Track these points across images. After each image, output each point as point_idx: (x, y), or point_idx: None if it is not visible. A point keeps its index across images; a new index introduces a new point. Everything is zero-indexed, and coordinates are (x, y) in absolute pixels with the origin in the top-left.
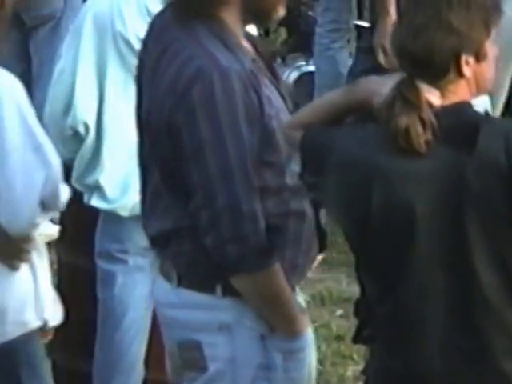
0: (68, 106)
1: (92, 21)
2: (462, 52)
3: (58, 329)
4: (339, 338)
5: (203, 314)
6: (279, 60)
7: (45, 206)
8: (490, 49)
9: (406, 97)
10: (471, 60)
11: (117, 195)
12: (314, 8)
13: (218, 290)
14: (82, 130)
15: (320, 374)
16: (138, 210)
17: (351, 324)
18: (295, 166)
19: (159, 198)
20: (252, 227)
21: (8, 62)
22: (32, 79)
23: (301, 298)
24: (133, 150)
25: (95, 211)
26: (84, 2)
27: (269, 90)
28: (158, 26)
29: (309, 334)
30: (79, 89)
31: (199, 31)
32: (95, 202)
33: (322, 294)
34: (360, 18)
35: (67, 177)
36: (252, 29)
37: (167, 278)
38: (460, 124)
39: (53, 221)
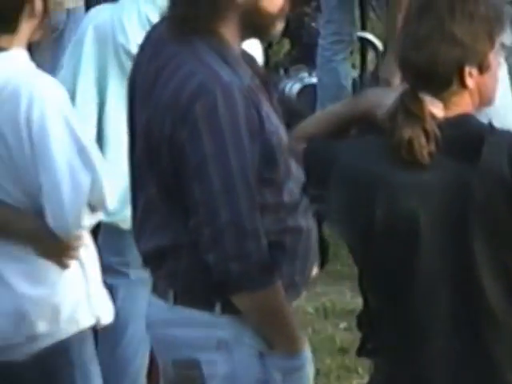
0: None
1: (93, 32)
2: (465, 64)
3: None
4: (343, 350)
5: (201, 331)
6: (282, 71)
7: (92, 207)
8: (494, 60)
9: (410, 108)
10: (474, 72)
11: (117, 208)
12: (317, 19)
13: (217, 307)
14: None
15: None
16: None
17: (355, 337)
18: (293, 185)
19: (152, 212)
20: (255, 244)
21: None
22: None
23: None
24: None
25: (96, 224)
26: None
27: (267, 107)
28: (154, 41)
29: (307, 351)
30: (80, 101)
31: (198, 46)
32: None
33: (325, 307)
34: (363, 29)
35: None
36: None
37: (162, 297)
38: (464, 135)
39: None
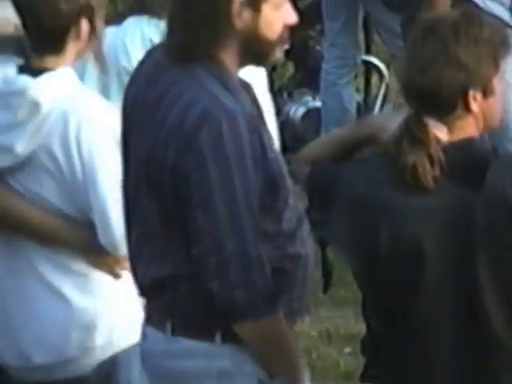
0: None
1: None
2: (469, 87)
3: None
4: (348, 376)
5: (201, 362)
6: (286, 95)
7: None
8: (498, 84)
9: (414, 133)
10: (479, 96)
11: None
12: (321, 43)
13: (218, 337)
14: None
15: None
16: None
17: (359, 362)
18: (290, 213)
19: (149, 241)
20: (259, 272)
21: None
22: None
23: None
24: None
25: None
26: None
27: (267, 134)
28: (151, 68)
29: (308, 380)
30: None
31: (199, 72)
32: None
33: (329, 332)
34: (368, 52)
35: None
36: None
37: (159, 328)
38: (468, 160)
39: None
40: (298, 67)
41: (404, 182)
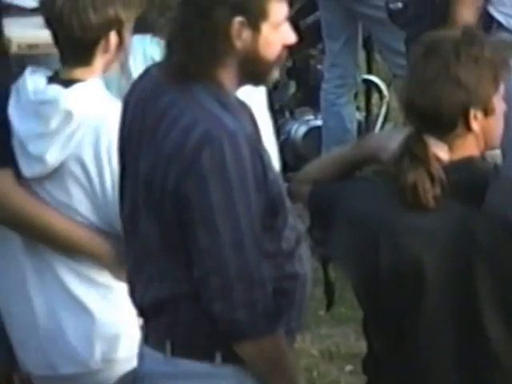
0: None
1: None
2: (470, 107)
3: None
4: None
5: (202, 383)
6: (288, 114)
7: None
8: (499, 103)
9: (414, 151)
10: (479, 115)
11: None
12: (322, 62)
13: (218, 357)
14: None
15: None
16: None
17: (361, 380)
18: (289, 232)
19: (148, 262)
20: (261, 293)
21: None
22: None
23: None
24: None
25: None
26: None
27: (266, 154)
28: (149, 89)
29: None
30: None
31: (198, 93)
32: None
33: (330, 350)
34: (369, 72)
35: None
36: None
37: (158, 348)
38: (468, 179)
39: None
40: (300, 86)
41: (405, 200)
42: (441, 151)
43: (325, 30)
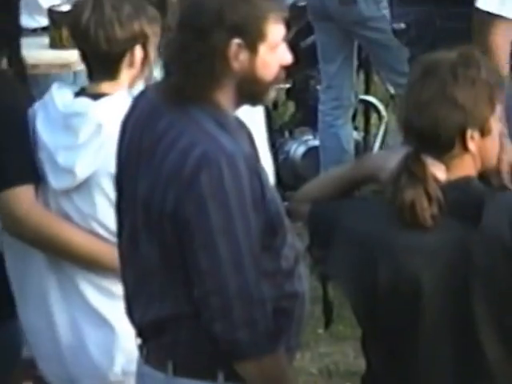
0: None
1: None
2: (467, 127)
3: None
4: None
5: None
6: (287, 133)
7: None
8: (495, 124)
9: (412, 171)
10: (476, 135)
11: None
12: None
13: (220, 376)
14: None
15: None
16: None
17: None
18: (288, 251)
19: (148, 282)
20: (261, 312)
21: None
22: None
23: None
24: None
25: None
26: None
27: (264, 173)
28: (146, 110)
29: None
30: None
31: (196, 114)
32: None
33: (329, 368)
34: (367, 93)
35: None
36: None
37: (159, 368)
38: (465, 199)
39: None
40: (299, 106)
41: (403, 219)
42: (438, 171)
43: (320, 53)
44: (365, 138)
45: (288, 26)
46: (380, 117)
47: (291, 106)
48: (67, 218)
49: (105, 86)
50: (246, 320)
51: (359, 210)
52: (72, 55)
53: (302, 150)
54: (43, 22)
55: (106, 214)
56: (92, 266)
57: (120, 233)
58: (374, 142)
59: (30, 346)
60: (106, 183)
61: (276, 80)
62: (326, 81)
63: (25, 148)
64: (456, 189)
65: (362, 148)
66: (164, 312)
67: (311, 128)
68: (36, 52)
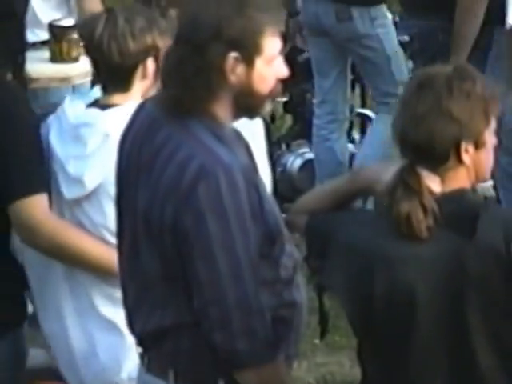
0: None
1: None
2: (462, 140)
3: None
4: None
5: None
6: (284, 146)
7: None
8: (489, 137)
9: (408, 183)
10: (471, 148)
11: None
12: None
13: None
14: None
15: None
16: None
17: None
18: (286, 260)
19: (149, 292)
20: (260, 322)
21: None
22: None
23: None
24: None
25: None
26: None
27: (262, 184)
28: (145, 123)
29: None
30: None
31: (193, 126)
32: None
33: (325, 378)
34: (363, 106)
35: None
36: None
37: (161, 376)
38: (460, 211)
39: None
40: (296, 120)
41: (398, 230)
42: (433, 183)
43: (315, 68)
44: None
45: (284, 40)
46: None
47: (288, 120)
48: (79, 226)
49: (117, 98)
50: (244, 330)
51: (355, 221)
52: (72, 69)
53: (299, 162)
54: (43, 35)
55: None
56: (104, 274)
57: (120, 244)
58: None
59: (52, 352)
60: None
61: (272, 93)
62: (320, 95)
63: (35, 157)
64: (451, 201)
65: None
66: (165, 321)
67: (308, 141)
68: (37, 66)
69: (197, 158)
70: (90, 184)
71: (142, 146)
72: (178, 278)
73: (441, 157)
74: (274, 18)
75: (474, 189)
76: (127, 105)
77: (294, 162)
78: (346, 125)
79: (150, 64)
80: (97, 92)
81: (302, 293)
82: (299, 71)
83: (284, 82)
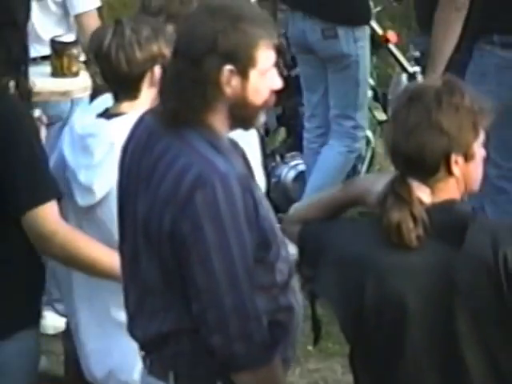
0: None
1: None
2: (451, 152)
3: None
4: None
5: None
6: (278, 158)
7: None
8: (479, 149)
9: (398, 193)
10: (460, 160)
11: None
12: None
13: None
14: None
15: None
16: None
17: None
18: (282, 264)
19: (150, 296)
20: (257, 326)
21: None
22: None
23: None
24: None
25: None
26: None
27: (258, 191)
28: (144, 135)
29: None
30: None
31: (190, 137)
32: None
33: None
34: None
35: None
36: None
37: (161, 378)
38: (449, 221)
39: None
40: (290, 132)
41: (389, 240)
42: (423, 194)
43: (304, 83)
44: None
45: (278, 54)
46: (368, 142)
47: (282, 132)
48: (96, 232)
49: (125, 106)
50: (241, 334)
51: (347, 230)
52: (72, 84)
53: (292, 173)
54: (43, 51)
55: None
56: (115, 280)
57: (122, 250)
58: (362, 165)
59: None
60: None
61: (266, 104)
62: (309, 110)
63: (39, 165)
64: (440, 211)
65: (351, 172)
66: (166, 326)
67: (301, 153)
68: (38, 80)
69: (194, 167)
70: (100, 192)
71: (142, 158)
72: (178, 285)
73: (431, 168)
74: (267, 31)
75: (463, 200)
76: (132, 114)
77: (287, 173)
78: None
79: (157, 72)
80: (106, 102)
81: (298, 297)
82: (292, 85)
83: (278, 95)
